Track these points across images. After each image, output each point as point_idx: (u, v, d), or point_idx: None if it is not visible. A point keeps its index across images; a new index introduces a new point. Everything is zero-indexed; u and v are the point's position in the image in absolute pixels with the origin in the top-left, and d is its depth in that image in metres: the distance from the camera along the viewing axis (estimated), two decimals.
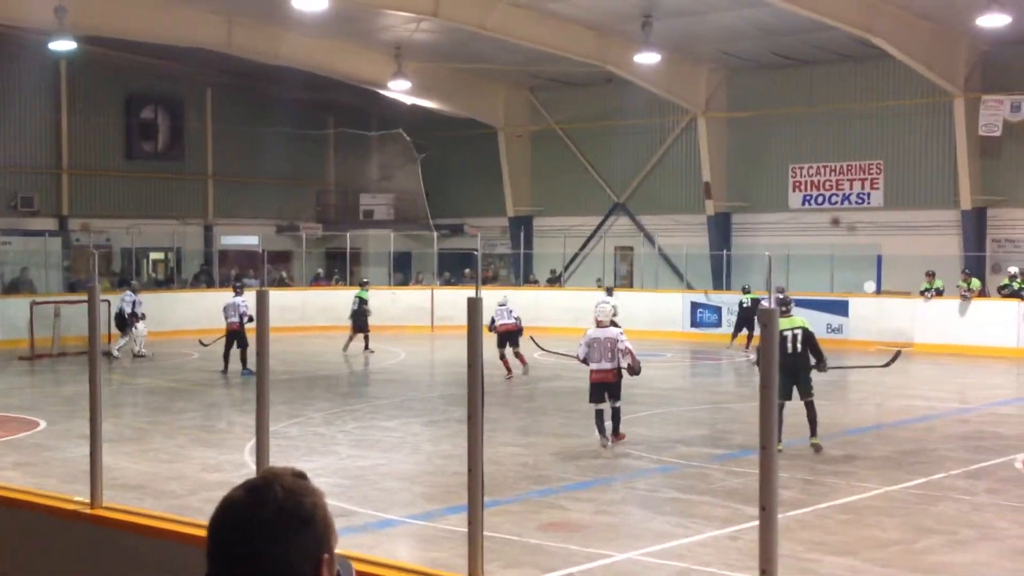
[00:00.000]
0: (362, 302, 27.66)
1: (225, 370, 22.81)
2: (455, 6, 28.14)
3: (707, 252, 35.64)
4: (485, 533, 4.60)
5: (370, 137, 43.49)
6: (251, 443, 14.15)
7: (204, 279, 37.07)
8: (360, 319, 27.48)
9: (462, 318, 4.67)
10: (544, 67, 35.01)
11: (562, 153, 39.50)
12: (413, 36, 31.58)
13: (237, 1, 28.61)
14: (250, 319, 21.68)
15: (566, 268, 39.03)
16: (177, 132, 39.76)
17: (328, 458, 14.00)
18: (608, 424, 14.74)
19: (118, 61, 35.24)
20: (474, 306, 4.88)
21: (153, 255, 39.40)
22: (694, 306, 32.90)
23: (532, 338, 17.90)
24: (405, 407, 18.97)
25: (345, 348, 27.36)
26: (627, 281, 37.60)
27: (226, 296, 24.22)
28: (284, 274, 38.78)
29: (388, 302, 32.60)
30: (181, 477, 12.83)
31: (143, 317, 26.51)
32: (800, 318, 14.86)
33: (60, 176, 36.52)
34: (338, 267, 39.05)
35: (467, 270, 37.12)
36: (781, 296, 15.27)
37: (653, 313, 31.36)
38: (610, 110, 37.68)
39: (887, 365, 15.62)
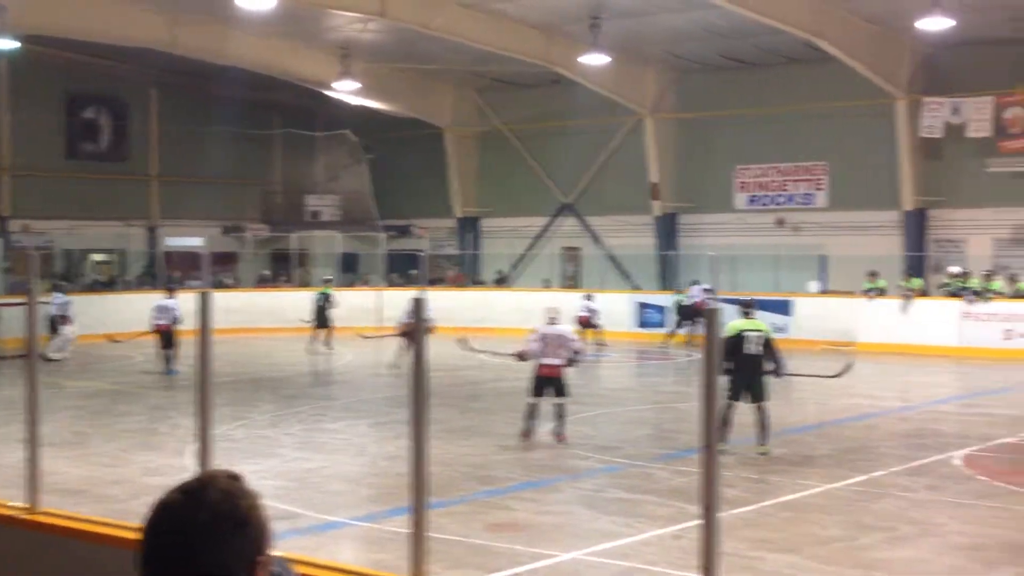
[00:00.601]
0: (326, 299, 28.51)
1: (170, 370, 22.97)
2: (402, 6, 28.08)
3: (654, 253, 35.84)
4: (430, 534, 4.59)
5: (317, 137, 43.26)
6: (194, 446, 14.02)
7: (148, 281, 36.70)
8: (322, 317, 28.41)
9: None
10: (491, 67, 35.02)
11: (509, 154, 39.54)
12: (360, 36, 31.48)
13: (182, 0, 28.39)
14: (180, 320, 22.56)
15: (513, 269, 39.08)
16: (121, 132, 39.31)
17: (272, 460, 13.92)
18: (547, 424, 14.89)
19: (60, 60, 34.76)
20: (419, 306, 4.89)
21: (96, 256, 38.95)
22: (641, 306, 33.07)
23: (465, 339, 17.82)
24: (351, 409, 18.90)
25: (310, 348, 27.80)
26: (573, 282, 37.69)
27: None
28: (229, 278, 38.46)
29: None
30: (122, 481, 12.70)
31: (71, 320, 26.16)
32: (762, 322, 14.92)
33: (0, 176, 35.98)
34: (284, 269, 38.83)
35: (414, 271, 37.05)
36: (746, 300, 15.30)
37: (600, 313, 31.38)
38: (557, 111, 37.75)
39: (838, 376, 15.73)
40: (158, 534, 2.15)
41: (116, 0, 28.76)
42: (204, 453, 5.32)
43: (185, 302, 20.93)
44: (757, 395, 14.18)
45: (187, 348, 21.57)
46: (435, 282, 37.95)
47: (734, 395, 14.12)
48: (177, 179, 39.89)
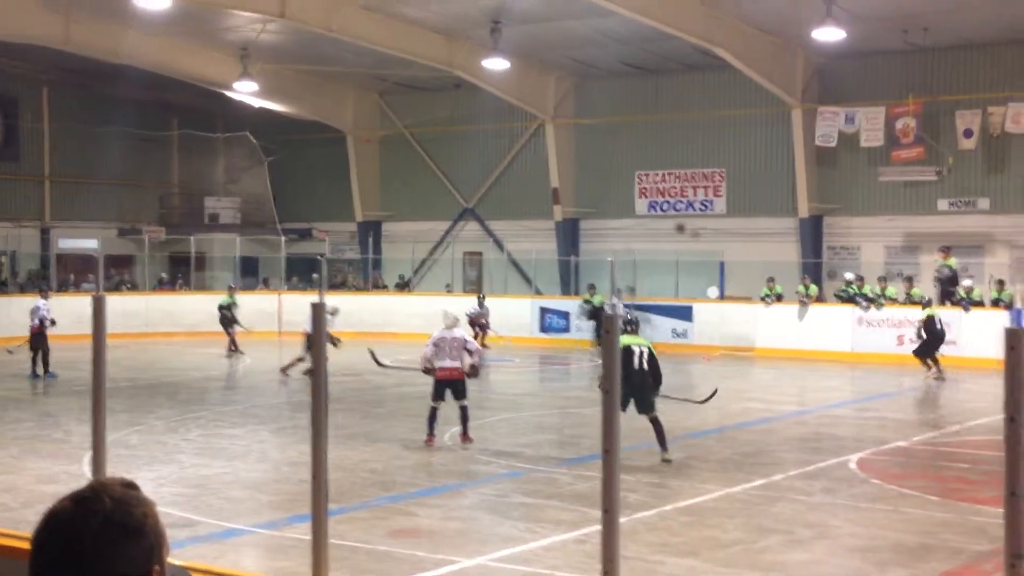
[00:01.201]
0: (227, 307, 28.74)
1: (34, 374, 22.97)
2: (302, 8, 27.84)
3: (555, 257, 36.01)
4: (332, 541, 4.55)
5: (216, 139, 42.69)
6: (89, 453, 13.73)
7: (40, 283, 35.84)
8: (226, 323, 28.62)
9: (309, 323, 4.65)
10: (393, 71, 34.91)
11: (411, 158, 39.43)
12: (260, 37, 31.14)
13: None
14: (52, 323, 23.02)
15: (415, 273, 38.98)
16: (11, 131, 38.35)
17: (170, 467, 13.68)
18: (450, 428, 14.83)
19: None
20: (318, 311, 4.85)
21: None
22: (543, 311, 33.19)
23: (371, 351, 17.70)
24: (251, 414, 18.66)
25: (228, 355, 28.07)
26: (475, 287, 37.71)
27: (60, 300, 23.78)
28: (126, 282, 37.80)
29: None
30: (14, 489, 12.37)
31: None
32: (644, 338, 15.05)
33: None
34: (182, 272, 38.24)
35: (315, 275, 36.75)
36: (629, 312, 15.44)
37: (502, 318, 31.49)
38: (459, 115, 37.77)
39: (704, 402, 15.97)
40: (48, 544, 2.11)
41: None
42: (98, 460, 5.22)
43: (80, 305, 20.52)
44: (645, 408, 14.28)
45: (73, 353, 21.23)
46: (336, 286, 37.69)
47: (622, 406, 14.21)
48: (71, 179, 39.05)
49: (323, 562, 4.60)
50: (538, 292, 35.01)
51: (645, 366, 14.25)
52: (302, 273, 37.42)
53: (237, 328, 28.38)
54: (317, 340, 4.81)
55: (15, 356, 24.29)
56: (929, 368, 24.12)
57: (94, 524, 2.08)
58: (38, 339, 23.16)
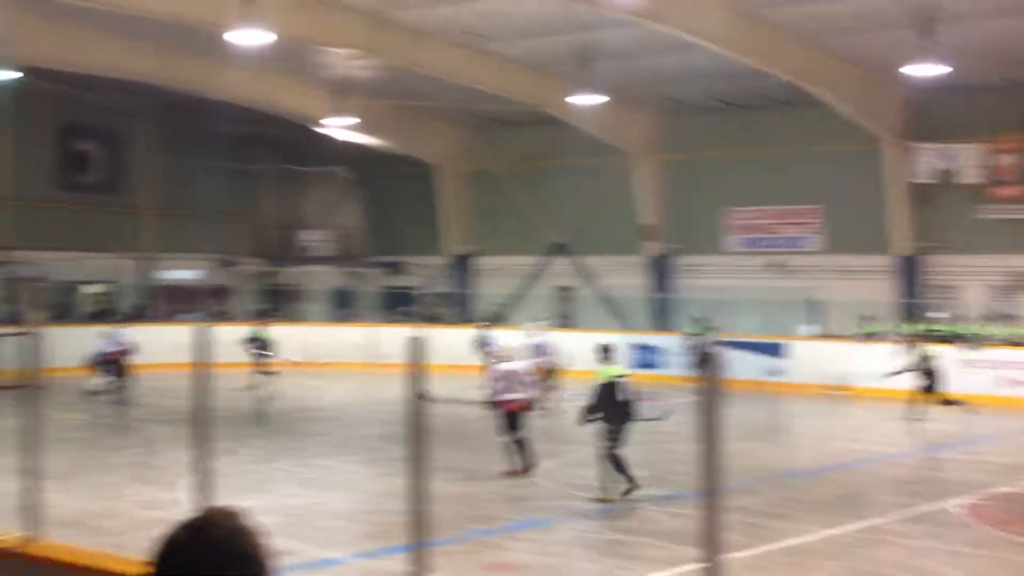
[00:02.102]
0: (254, 339, 26.46)
1: (119, 401, 23.75)
2: (392, 44, 28.10)
3: (645, 294, 35.77)
4: (427, 574, 4.51)
5: (309, 173, 43.23)
6: (186, 480, 13.85)
7: (141, 313, 36.51)
8: (255, 355, 26.23)
9: (401, 355, 4.67)
10: (484, 106, 35.08)
11: (501, 192, 39.54)
12: (353, 72, 31.50)
13: (174, 34, 28.32)
14: (127, 352, 24.15)
15: (506, 307, 38.98)
16: (114, 164, 39.26)
17: (265, 496, 13.76)
18: (546, 462, 15.21)
19: (54, 92, 34.75)
20: (415, 345, 4.84)
21: (89, 288, 38.77)
22: (635, 347, 32.89)
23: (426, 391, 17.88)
24: (342, 445, 18.76)
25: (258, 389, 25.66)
26: (569, 321, 37.58)
27: (160, 330, 24.16)
28: (223, 309, 38.35)
29: (327, 339, 32.45)
30: (117, 514, 12.56)
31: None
32: (623, 368, 14.79)
33: None
34: (277, 303, 38.72)
35: (406, 308, 36.93)
36: (604, 344, 15.09)
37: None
38: (549, 150, 37.78)
39: (655, 420, 15.96)
40: (167, 571, 2.18)
41: (111, 33, 28.72)
42: (201, 488, 5.26)
43: (178, 335, 20.79)
44: (624, 440, 14.08)
45: (171, 381, 21.40)
46: (430, 319, 37.79)
47: (617, 442, 14.05)
48: (170, 212, 39.82)
49: None
50: (629, 328, 34.68)
51: (628, 397, 14.14)
52: (394, 306, 37.64)
53: (267, 359, 26.25)
54: (413, 373, 4.80)
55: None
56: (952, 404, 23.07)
57: (211, 552, 2.17)
58: (116, 366, 23.95)
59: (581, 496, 14.15)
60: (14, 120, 35.80)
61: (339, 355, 29.24)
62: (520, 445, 15.21)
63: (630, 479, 13.69)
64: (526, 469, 15.18)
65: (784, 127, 33.91)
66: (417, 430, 4.66)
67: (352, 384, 28.23)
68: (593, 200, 37.73)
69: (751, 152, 34.45)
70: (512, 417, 15.27)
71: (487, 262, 40.00)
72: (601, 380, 13.98)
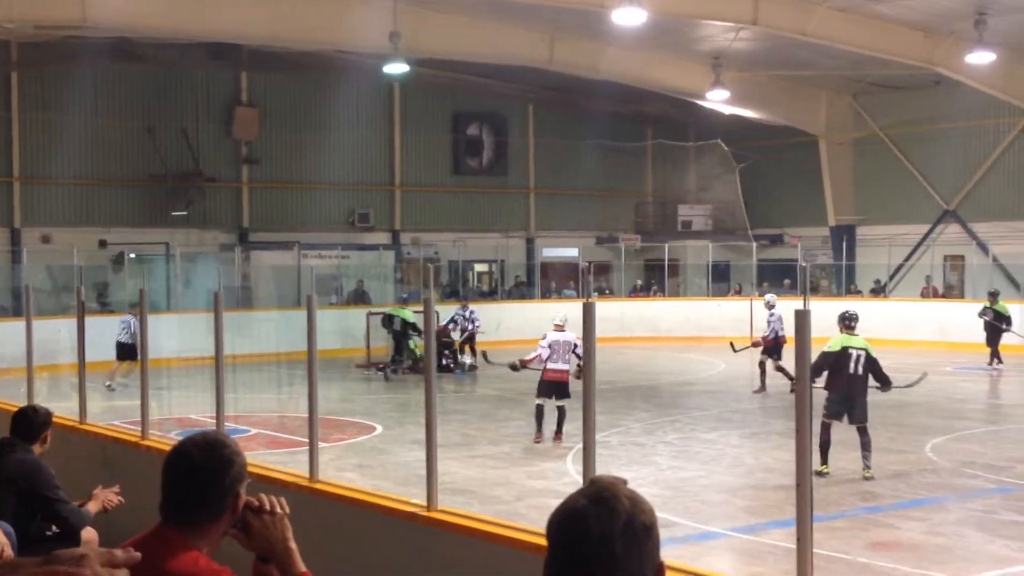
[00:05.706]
0: (394, 320, 25.26)
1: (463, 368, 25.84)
2: (775, 13, 27.71)
3: None
4: (810, 550, 4.56)
5: (688, 148, 43.44)
6: (573, 452, 14.45)
7: (524, 290, 38.08)
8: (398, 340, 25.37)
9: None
10: (868, 71, 33.93)
11: (886, 159, 38.14)
12: (731, 45, 31.32)
13: (558, 18, 29.26)
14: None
15: (891, 278, 37.61)
16: (500, 147, 41.15)
17: (648, 468, 14.10)
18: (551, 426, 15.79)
19: (445, 81, 36.84)
20: (802, 319, 4.84)
21: (478, 267, 40.88)
22: None
23: (483, 353, 20.18)
24: (724, 419, 18.84)
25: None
26: (958, 291, 35.81)
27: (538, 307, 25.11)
28: (603, 285, 39.35)
29: (707, 313, 32.65)
30: (507, 483, 13.24)
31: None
32: (863, 339, 13.75)
33: (393, 192, 38.59)
34: (656, 278, 39.23)
35: (787, 280, 36.39)
36: (848, 312, 14.03)
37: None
38: (938, 113, 36.04)
39: (909, 387, 14.85)
40: (572, 543, 2.18)
41: (497, 22, 30.04)
42: (587, 459, 5.50)
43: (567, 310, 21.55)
44: (858, 417, 13.24)
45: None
46: (811, 292, 37.11)
47: (834, 414, 13.15)
48: (552, 191, 41.31)
49: (808, 570, 4.61)
50: None
51: (860, 371, 13.18)
52: (773, 279, 37.18)
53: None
54: (799, 348, 4.84)
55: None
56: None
57: (619, 524, 2.18)
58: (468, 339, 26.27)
59: (975, 475, 13.56)
60: (411, 110, 38.43)
61: (719, 329, 29.29)
62: (560, 413, 15.64)
63: (824, 460, 13.04)
64: (558, 436, 15.69)
65: None
66: (803, 406, 4.70)
67: (734, 358, 28.19)
68: (988, 163, 35.69)
69: None
70: (548, 385, 16.00)
71: (871, 231, 38.74)
72: (831, 349, 13.34)
